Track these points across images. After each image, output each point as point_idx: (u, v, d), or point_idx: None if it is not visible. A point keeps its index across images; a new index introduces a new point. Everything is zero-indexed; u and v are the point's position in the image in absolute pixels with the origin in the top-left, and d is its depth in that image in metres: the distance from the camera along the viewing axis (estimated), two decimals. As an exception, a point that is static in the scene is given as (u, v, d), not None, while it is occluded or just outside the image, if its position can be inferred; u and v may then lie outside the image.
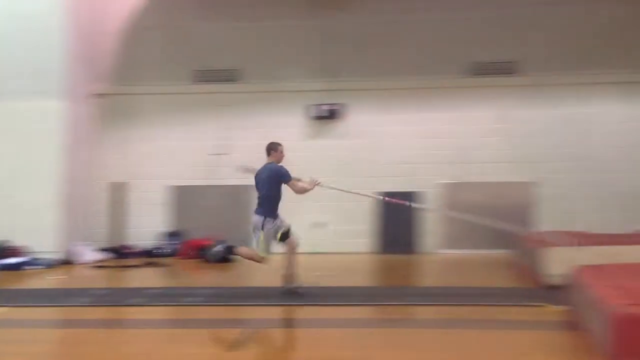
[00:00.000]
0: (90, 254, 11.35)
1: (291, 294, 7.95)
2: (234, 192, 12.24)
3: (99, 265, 10.90)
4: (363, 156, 11.98)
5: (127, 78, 12.25)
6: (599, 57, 11.42)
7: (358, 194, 8.94)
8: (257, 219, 7.90)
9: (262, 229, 7.85)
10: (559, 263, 8.06)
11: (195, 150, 12.19)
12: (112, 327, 7.14)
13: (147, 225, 12.19)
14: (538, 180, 11.62)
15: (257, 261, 8.01)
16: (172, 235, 12.15)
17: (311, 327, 6.95)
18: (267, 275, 10.02)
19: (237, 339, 6.06)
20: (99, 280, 9.97)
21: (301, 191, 8.09)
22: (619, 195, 11.49)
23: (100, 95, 12.25)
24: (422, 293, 8.43)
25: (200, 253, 11.36)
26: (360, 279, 9.66)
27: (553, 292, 7.68)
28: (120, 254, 11.73)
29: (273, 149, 8.12)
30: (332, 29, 11.85)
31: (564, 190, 11.52)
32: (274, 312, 7.50)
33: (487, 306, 7.56)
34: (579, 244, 8.76)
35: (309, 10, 11.77)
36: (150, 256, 11.65)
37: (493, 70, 11.75)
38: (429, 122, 11.86)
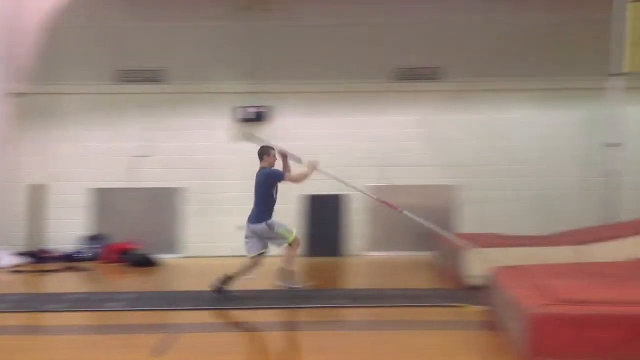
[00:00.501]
0: (6, 259, 10.95)
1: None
2: (157, 195, 12.05)
3: (16, 270, 10.52)
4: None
5: (48, 77, 11.87)
6: (518, 64, 11.78)
7: (354, 188, 9.05)
8: (259, 227, 7.89)
9: (272, 226, 7.90)
10: (479, 264, 8.28)
11: (118, 152, 11.92)
12: (29, 333, 6.92)
13: (68, 229, 11.84)
14: (460, 183, 11.89)
15: (295, 250, 8.09)
16: (93, 239, 11.84)
17: (237, 330, 6.92)
18: (191, 279, 9.92)
19: (159, 344, 5.96)
20: (15, 285, 9.62)
21: (301, 178, 8.12)
22: (538, 198, 11.87)
23: (19, 94, 11.83)
24: (348, 295, 8.50)
25: (121, 257, 11.15)
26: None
27: (474, 292, 7.87)
28: (39, 259, 11.36)
29: (265, 153, 8.07)
30: (259, 30, 11.81)
31: (486, 193, 11.82)
32: (198, 317, 7.41)
33: (410, 307, 7.70)
34: (499, 245, 9.03)
35: (236, 12, 11.69)
36: (70, 260, 11.32)
37: (417, 75, 11.96)
38: (355, 125, 11.97)
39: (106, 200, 12.07)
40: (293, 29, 11.85)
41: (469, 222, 11.71)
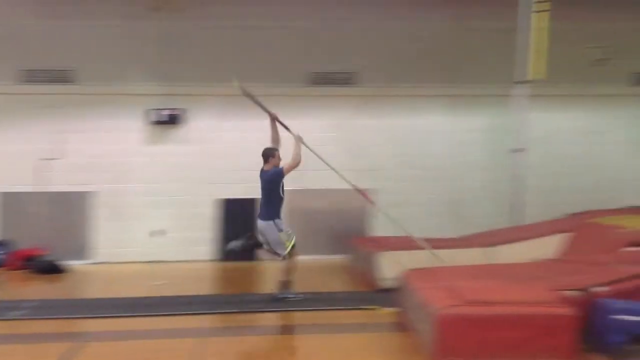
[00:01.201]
0: None
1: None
2: (66, 199, 11.63)
3: None
4: (203, 163, 11.81)
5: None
6: (430, 71, 12.01)
7: (336, 172, 9.11)
8: (265, 225, 8.04)
9: (279, 229, 8.07)
10: (391, 267, 8.43)
11: (24, 154, 11.43)
12: None
13: (-30, 235, 11.29)
14: (374, 187, 12.01)
15: (294, 263, 8.18)
16: (-2, 245, 11.34)
17: (147, 338, 6.76)
18: (100, 286, 9.65)
19: (65, 353, 5.77)
20: None
21: (296, 160, 8.25)
22: (449, 201, 12.15)
23: None
24: (262, 299, 8.47)
25: (27, 264, 10.73)
26: (201, 287, 9.52)
27: (386, 295, 8.00)
28: (-61, 266, 10.79)
29: (270, 155, 8.21)
30: (172, 31, 11.58)
31: (401, 197, 11.98)
32: (105, 325, 7.21)
33: (324, 311, 7.75)
34: (412, 248, 9.20)
35: (147, 12, 11.44)
36: (-28, 268, 10.80)
37: (332, 80, 12.05)
38: (268, 129, 11.90)
39: (12, 204, 11.57)
40: (207, 31, 11.69)
41: (383, 225, 11.85)
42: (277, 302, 8.17)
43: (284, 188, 8.36)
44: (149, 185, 11.58)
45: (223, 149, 11.85)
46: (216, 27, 11.68)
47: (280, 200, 8.27)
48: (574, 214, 10.85)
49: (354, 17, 11.86)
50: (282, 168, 8.25)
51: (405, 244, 9.60)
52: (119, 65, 11.56)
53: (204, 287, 9.68)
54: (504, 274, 6.84)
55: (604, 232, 8.71)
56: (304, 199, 11.97)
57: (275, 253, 8.38)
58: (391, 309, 7.37)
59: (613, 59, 12.05)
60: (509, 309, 5.38)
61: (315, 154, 8.77)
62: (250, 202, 11.78)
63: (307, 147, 8.55)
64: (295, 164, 8.23)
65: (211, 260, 11.63)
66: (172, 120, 11.62)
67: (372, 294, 8.58)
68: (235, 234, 11.70)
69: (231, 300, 8.38)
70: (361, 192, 8.93)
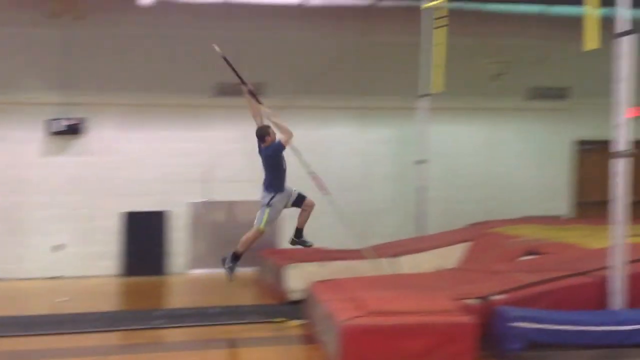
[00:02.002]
0: None
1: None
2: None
3: None
4: (107, 174, 11.48)
5: None
6: (338, 83, 12.16)
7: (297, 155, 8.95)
8: (266, 194, 8.13)
9: (269, 204, 8.13)
10: (299, 279, 8.46)
11: None
12: None
13: None
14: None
15: (255, 237, 8.16)
16: None
17: (48, 357, 6.51)
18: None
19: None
20: None
21: (287, 130, 8.20)
22: (356, 212, 12.27)
23: None
24: (170, 315, 8.31)
25: None
26: (104, 304, 9.23)
27: (294, 307, 8.02)
28: None
29: (266, 134, 8.16)
30: (72, 39, 11.21)
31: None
32: (3, 345, 6.88)
33: (232, 325, 7.68)
34: (319, 260, 9.27)
35: (46, 18, 11.04)
36: None
37: (239, 90, 11.95)
38: (176, 140, 11.74)
39: None
40: (110, 39, 11.40)
41: (290, 236, 11.88)
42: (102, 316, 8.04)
43: (285, 160, 8.47)
44: (49, 198, 11.16)
45: (127, 160, 11.57)
46: (119, 36, 11.41)
47: (283, 172, 8.43)
48: (475, 224, 11.22)
49: (261, 27, 11.86)
50: (280, 141, 8.25)
51: (315, 255, 9.68)
52: (15, 73, 11.12)
53: (108, 303, 9.40)
54: (408, 284, 6.99)
55: (502, 241, 9.05)
56: (211, 211, 11.85)
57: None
58: (299, 322, 7.39)
59: (509, 74, 12.60)
60: (411, 319, 5.50)
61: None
62: (157, 215, 11.59)
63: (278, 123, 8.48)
64: (289, 136, 8.24)
65: (115, 276, 11.31)
66: (72, 130, 11.24)
67: (280, 306, 8.56)
68: (141, 248, 11.51)
69: (137, 316, 8.17)
70: (316, 179, 8.95)
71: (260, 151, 8.36)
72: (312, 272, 8.45)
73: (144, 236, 11.49)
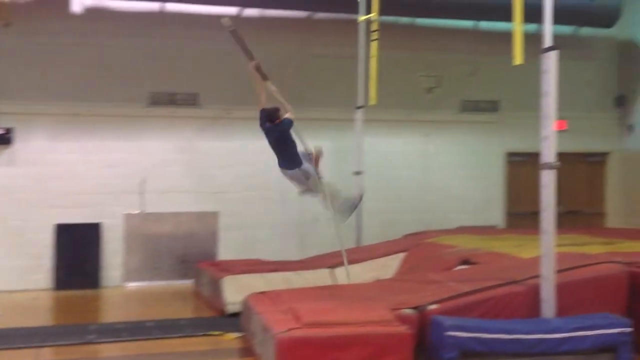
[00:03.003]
0: None
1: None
2: None
3: None
4: (39, 185, 11.16)
5: None
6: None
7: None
8: (294, 172, 8.23)
9: (310, 175, 8.24)
10: (237, 291, 8.41)
11: None
12: None
13: None
14: (220, 210, 11.97)
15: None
16: None
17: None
18: None
19: None
20: None
21: (288, 107, 8.28)
22: (294, 223, 12.31)
23: None
24: (105, 329, 8.13)
25: None
26: (36, 318, 8.96)
27: (232, 320, 7.97)
28: None
29: (276, 117, 8.15)
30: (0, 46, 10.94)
31: (245, 219, 12.01)
32: None
33: (169, 339, 7.57)
34: (257, 271, 9.24)
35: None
36: None
37: (175, 101, 11.88)
38: (111, 150, 11.52)
39: None
40: (40, 47, 11.12)
41: (229, 248, 11.82)
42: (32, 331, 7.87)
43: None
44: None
45: (60, 170, 11.28)
46: (50, 44, 11.14)
47: (295, 145, 8.44)
48: (411, 235, 11.38)
49: (197, 37, 11.80)
50: (289, 118, 8.29)
51: (253, 266, 9.64)
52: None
53: (41, 318, 9.13)
54: (345, 295, 7.03)
55: (437, 251, 9.21)
56: (147, 223, 11.67)
57: (314, 191, 8.53)
58: (236, 335, 7.35)
59: (442, 87, 12.88)
60: (347, 330, 5.53)
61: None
62: (91, 227, 11.32)
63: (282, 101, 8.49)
64: (291, 112, 8.34)
65: (49, 289, 11.01)
66: (1, 140, 10.93)
67: (217, 319, 8.50)
68: (74, 261, 11.23)
69: (71, 331, 7.97)
70: (314, 156, 8.89)
71: (269, 132, 8.35)
72: (250, 284, 8.40)
73: (77, 249, 11.22)
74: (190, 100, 11.87)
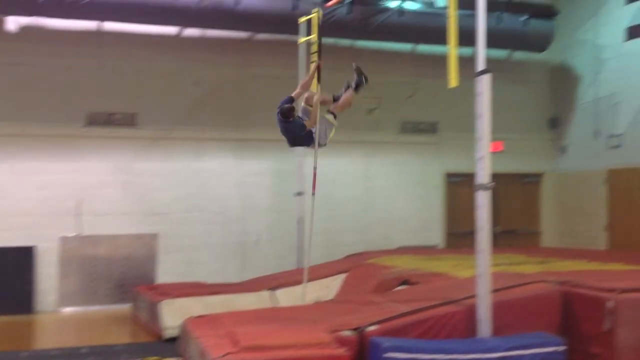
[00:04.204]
0: None
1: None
2: None
3: None
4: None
5: None
6: (215, 114, 12.15)
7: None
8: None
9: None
10: (175, 315, 8.25)
11: None
12: None
13: None
14: (159, 232, 11.78)
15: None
16: None
17: None
18: None
19: None
20: None
21: (314, 117, 7.87)
22: (236, 244, 12.21)
23: None
24: (38, 356, 7.89)
25: None
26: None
27: (169, 344, 7.82)
28: None
29: (291, 115, 7.79)
30: None
31: (185, 241, 11.85)
32: None
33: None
34: (195, 295, 9.09)
35: None
36: None
37: (113, 121, 11.68)
38: (45, 172, 11.21)
39: None
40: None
41: (168, 271, 11.63)
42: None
43: None
44: None
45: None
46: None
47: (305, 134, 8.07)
48: (352, 255, 11.42)
49: (135, 56, 11.69)
50: (305, 125, 7.97)
51: (192, 289, 9.49)
52: None
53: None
54: (285, 317, 6.97)
55: (377, 272, 9.25)
56: (84, 246, 11.39)
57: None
58: (174, 359, 7.21)
59: (383, 109, 13.03)
60: (286, 353, 5.48)
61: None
62: (25, 250, 10.96)
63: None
64: (313, 123, 7.98)
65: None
66: None
67: (155, 344, 8.33)
68: (6, 285, 10.83)
69: (1, 359, 7.70)
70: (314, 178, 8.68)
71: (283, 126, 8.02)
72: (189, 308, 8.28)
73: (10, 272, 10.86)
74: (128, 121, 11.69)
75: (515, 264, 9.08)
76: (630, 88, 12.47)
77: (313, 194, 8.75)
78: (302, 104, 8.07)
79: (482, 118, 6.33)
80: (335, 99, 8.18)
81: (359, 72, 8.15)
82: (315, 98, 7.92)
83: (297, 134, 7.99)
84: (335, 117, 8.16)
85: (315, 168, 8.65)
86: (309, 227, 8.50)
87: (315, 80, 8.33)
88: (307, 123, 7.95)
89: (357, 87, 8.16)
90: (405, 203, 13.33)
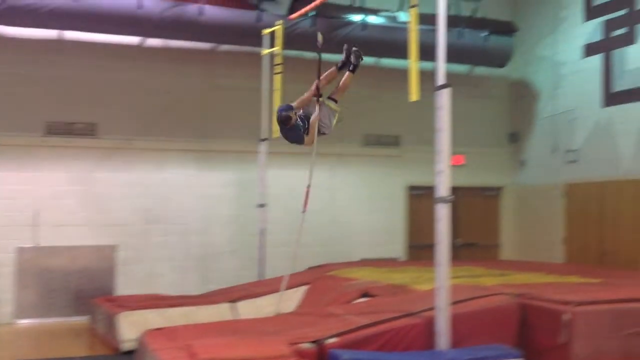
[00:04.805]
0: None
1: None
2: None
3: None
4: None
5: None
6: (177, 125, 12.06)
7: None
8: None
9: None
10: (133, 327, 8.14)
11: None
12: None
13: None
14: (119, 243, 11.63)
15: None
16: None
17: None
18: None
19: None
20: None
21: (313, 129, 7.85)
22: (196, 256, 12.12)
23: None
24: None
25: None
26: None
27: (127, 357, 7.71)
28: None
29: (289, 123, 7.82)
30: None
31: (144, 253, 11.72)
32: None
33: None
34: (154, 307, 8.99)
35: None
36: None
37: (72, 130, 11.51)
38: (3, 182, 10.99)
39: None
40: None
41: (127, 283, 11.48)
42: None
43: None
44: None
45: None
46: None
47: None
48: (314, 268, 11.41)
49: (96, 65, 11.57)
50: (302, 132, 7.99)
51: (151, 302, 9.38)
52: None
53: None
54: (244, 330, 6.93)
55: (338, 284, 9.26)
56: (41, 257, 11.20)
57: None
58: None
59: (346, 121, 13.02)
60: (243, 366, 5.46)
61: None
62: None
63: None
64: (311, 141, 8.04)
65: None
66: None
67: (112, 357, 8.22)
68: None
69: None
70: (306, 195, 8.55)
71: (290, 131, 8.05)
72: (147, 320, 8.19)
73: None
74: (88, 130, 11.54)
75: (475, 277, 9.18)
76: (586, 104, 12.73)
77: (303, 211, 8.77)
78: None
79: (442, 132, 6.40)
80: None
81: (356, 55, 8.05)
82: (313, 117, 7.91)
83: (300, 135, 8.02)
84: (336, 102, 8.18)
85: (309, 186, 8.73)
86: (297, 241, 8.66)
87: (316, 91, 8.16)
88: (306, 140, 8.03)
89: (354, 68, 8.12)
90: (368, 215, 13.37)
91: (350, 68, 8.09)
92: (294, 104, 7.96)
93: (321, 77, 7.99)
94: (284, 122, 7.92)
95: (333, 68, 8.13)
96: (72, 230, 11.34)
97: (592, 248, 12.37)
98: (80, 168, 11.50)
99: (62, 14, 10.45)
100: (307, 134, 7.99)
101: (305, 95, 8.09)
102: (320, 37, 8.07)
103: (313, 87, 7.94)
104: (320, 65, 7.98)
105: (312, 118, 7.91)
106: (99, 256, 11.55)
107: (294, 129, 7.96)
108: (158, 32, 11.40)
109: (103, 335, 9.28)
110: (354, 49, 8.09)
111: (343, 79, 8.14)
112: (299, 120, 7.92)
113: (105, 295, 10.75)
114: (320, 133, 8.06)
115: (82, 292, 11.31)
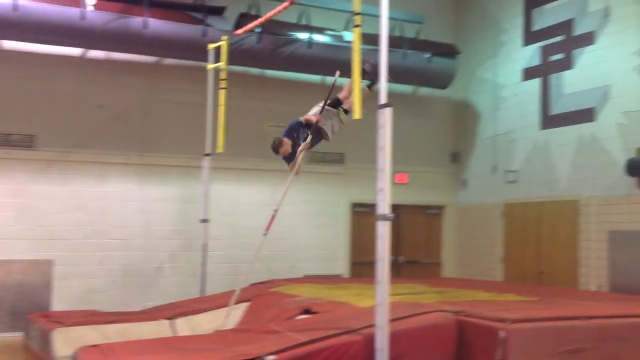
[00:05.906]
0: None
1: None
2: None
3: None
4: None
5: None
6: (118, 138, 11.88)
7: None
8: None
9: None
10: (68, 344, 7.93)
11: None
12: None
13: None
14: (56, 258, 11.35)
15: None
16: None
17: None
18: None
19: None
20: None
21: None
22: (135, 272, 11.91)
23: None
24: None
25: None
26: None
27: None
28: None
29: (280, 146, 8.18)
30: None
31: (82, 268, 11.46)
32: None
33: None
34: (91, 323, 8.78)
35: None
36: None
37: (9, 142, 11.22)
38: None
39: None
40: None
41: (64, 298, 11.21)
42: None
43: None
44: None
45: None
46: None
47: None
48: (256, 284, 11.33)
49: (35, 76, 11.35)
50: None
51: (88, 318, 9.16)
52: None
53: None
54: (182, 347, 6.81)
55: (279, 300, 9.21)
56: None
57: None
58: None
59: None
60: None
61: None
62: None
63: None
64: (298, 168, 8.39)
65: None
66: None
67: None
68: None
69: None
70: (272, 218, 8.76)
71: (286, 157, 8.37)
72: (83, 337, 7.98)
73: None
74: (25, 142, 11.26)
75: (416, 294, 9.25)
76: (525, 126, 13.07)
77: (265, 234, 8.95)
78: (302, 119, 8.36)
79: (383, 150, 6.46)
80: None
81: (372, 71, 7.93)
82: (301, 147, 8.27)
83: (291, 156, 8.35)
84: (347, 113, 8.46)
85: (276, 210, 9.03)
86: (253, 260, 8.94)
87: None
88: (290, 165, 8.40)
89: (371, 85, 8.32)
90: (312, 232, 13.40)
91: (369, 84, 8.36)
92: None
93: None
94: (274, 149, 8.29)
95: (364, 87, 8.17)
96: (8, 243, 11.02)
97: (530, 266, 12.65)
98: (16, 180, 11.21)
99: (1, 23, 10.22)
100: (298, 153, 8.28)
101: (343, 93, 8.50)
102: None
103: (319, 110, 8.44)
104: (330, 93, 8.52)
105: (300, 148, 8.04)
106: (35, 271, 11.25)
107: (290, 156, 8.30)
108: (101, 44, 11.26)
109: (37, 352, 9.02)
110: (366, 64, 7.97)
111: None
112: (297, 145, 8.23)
113: (41, 311, 10.46)
114: (321, 139, 8.52)
115: (17, 307, 11.00)
